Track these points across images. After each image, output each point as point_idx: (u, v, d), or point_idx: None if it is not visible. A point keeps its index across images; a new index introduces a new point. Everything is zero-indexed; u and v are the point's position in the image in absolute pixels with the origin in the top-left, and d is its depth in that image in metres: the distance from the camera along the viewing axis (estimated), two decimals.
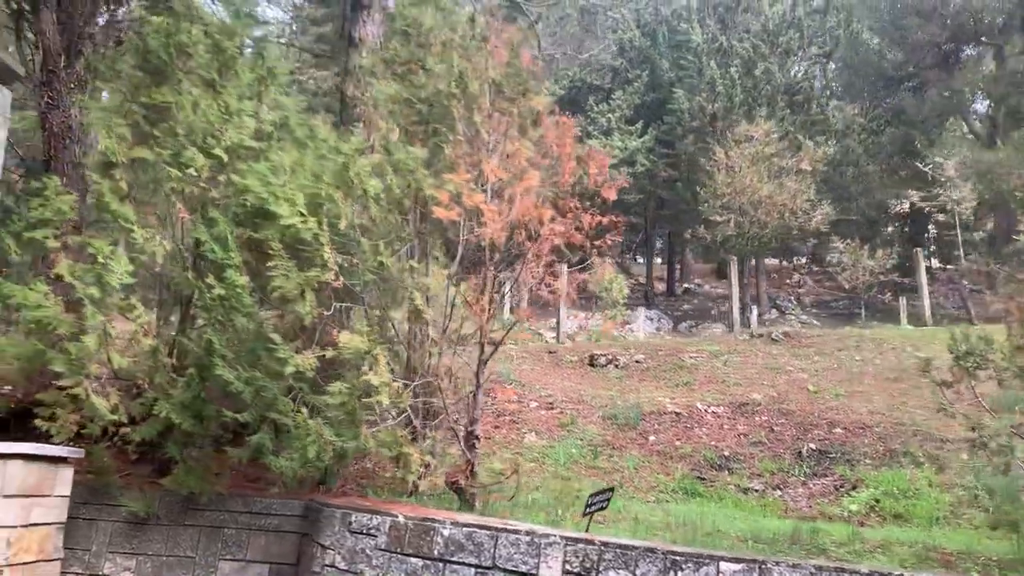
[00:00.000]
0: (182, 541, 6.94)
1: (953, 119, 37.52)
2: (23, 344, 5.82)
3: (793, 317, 25.61)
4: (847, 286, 22.77)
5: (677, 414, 9.21)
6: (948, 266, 29.40)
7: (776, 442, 8.46)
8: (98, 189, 6.59)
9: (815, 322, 24.93)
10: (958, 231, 25.71)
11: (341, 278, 5.34)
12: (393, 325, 5.86)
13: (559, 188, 5.48)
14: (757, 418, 9.05)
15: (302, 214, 5.44)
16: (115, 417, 5.67)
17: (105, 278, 5.56)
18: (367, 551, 4.89)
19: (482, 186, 5.47)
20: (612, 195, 5.33)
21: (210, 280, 5.90)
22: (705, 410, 9.32)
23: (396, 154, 5.70)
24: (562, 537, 4.08)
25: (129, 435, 6.17)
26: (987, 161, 26.98)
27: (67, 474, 5.89)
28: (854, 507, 6.75)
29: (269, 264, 5.86)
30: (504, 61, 5.88)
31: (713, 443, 8.40)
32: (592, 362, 11.87)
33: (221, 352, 5.67)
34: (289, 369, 5.29)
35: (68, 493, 6.02)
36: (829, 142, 25.14)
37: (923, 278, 15.80)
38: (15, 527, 5.51)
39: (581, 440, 8.55)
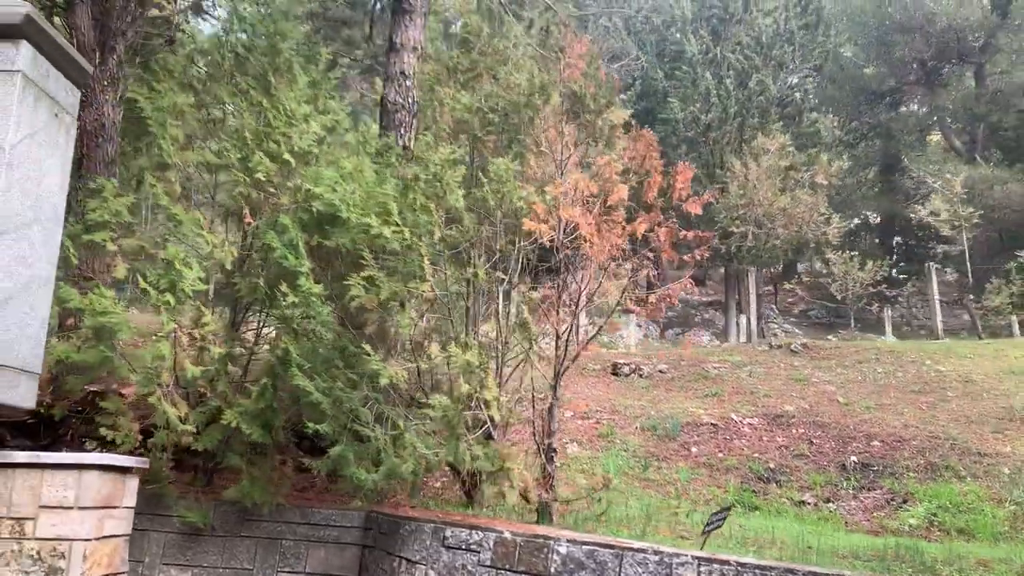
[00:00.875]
0: (238, 553, 6.77)
1: (934, 135, 38.44)
2: (86, 351, 5.61)
3: (775, 326, 25.96)
4: (839, 296, 23.13)
5: (714, 425, 9.26)
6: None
7: (818, 455, 8.55)
8: (154, 191, 6.41)
9: (797, 331, 25.30)
10: (937, 243, 26.33)
11: (435, 289, 5.26)
12: (477, 337, 5.77)
13: (644, 202, 5.45)
14: (794, 430, 9.14)
15: (397, 224, 5.33)
16: (187, 427, 5.51)
17: (179, 284, 5.39)
18: (468, 567, 4.79)
19: (572, 198, 5.42)
20: (697, 209, 5.32)
21: (284, 288, 5.76)
22: (741, 422, 9.38)
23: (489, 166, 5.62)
24: (694, 557, 4.04)
25: (191, 444, 6.00)
26: (972, 177, 27.70)
27: (133, 485, 5.69)
28: (913, 521, 6.83)
29: (357, 273, 5.70)
30: (581, 73, 5.86)
31: (756, 455, 8.46)
32: (615, 371, 11.87)
33: (298, 362, 5.53)
34: (383, 380, 5.17)
35: (134, 504, 5.83)
36: (822, 155, 25.55)
37: (935, 292, 16.09)
38: (90, 540, 5.31)
39: (625, 451, 8.54)
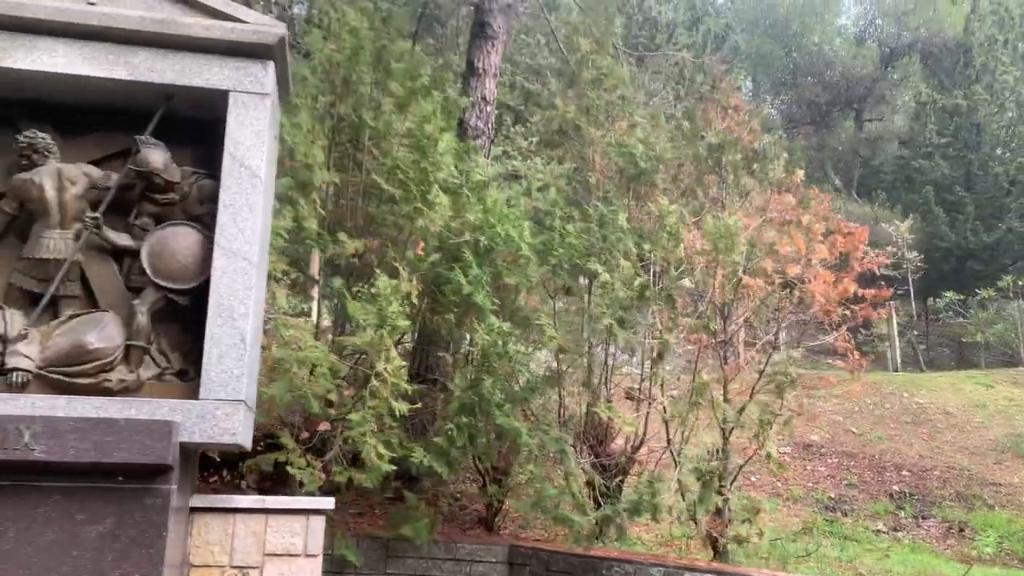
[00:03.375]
0: None
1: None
2: (271, 384, 5.15)
3: None
4: None
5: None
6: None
7: (863, 484, 9.24)
8: (308, 225, 5.96)
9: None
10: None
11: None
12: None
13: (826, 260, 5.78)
14: (828, 460, 9.81)
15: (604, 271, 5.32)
16: (387, 465, 5.19)
17: (390, 319, 5.07)
18: None
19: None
20: (878, 265, 5.71)
21: (475, 324, 5.58)
22: (778, 451, 9.94)
23: (667, 218, 5.72)
24: None
25: (362, 481, 5.64)
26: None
27: (320, 526, 5.29)
28: (988, 550, 7.58)
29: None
30: (755, 132, 6.10)
31: (811, 484, 9.03)
32: (629, 395, 12.15)
33: (498, 401, 5.37)
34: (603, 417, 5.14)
35: (320, 550, 5.41)
36: None
37: (894, 327, 17.67)
38: None
39: None
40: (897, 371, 16.35)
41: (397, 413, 5.16)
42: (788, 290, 5.65)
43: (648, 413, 6.46)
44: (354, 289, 5.62)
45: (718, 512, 5.67)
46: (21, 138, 4.21)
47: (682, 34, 33.45)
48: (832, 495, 8.93)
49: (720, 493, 5.49)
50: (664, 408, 5.61)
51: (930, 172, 29.40)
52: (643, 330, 5.82)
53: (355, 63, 6.45)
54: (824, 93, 35.49)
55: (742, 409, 5.85)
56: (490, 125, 8.94)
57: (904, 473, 9.62)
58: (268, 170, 4.44)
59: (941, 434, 11.07)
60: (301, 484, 5.21)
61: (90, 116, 4.51)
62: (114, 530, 3.80)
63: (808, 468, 9.59)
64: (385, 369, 5.09)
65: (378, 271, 5.45)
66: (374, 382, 5.01)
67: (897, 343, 17.54)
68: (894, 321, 17.79)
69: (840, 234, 5.79)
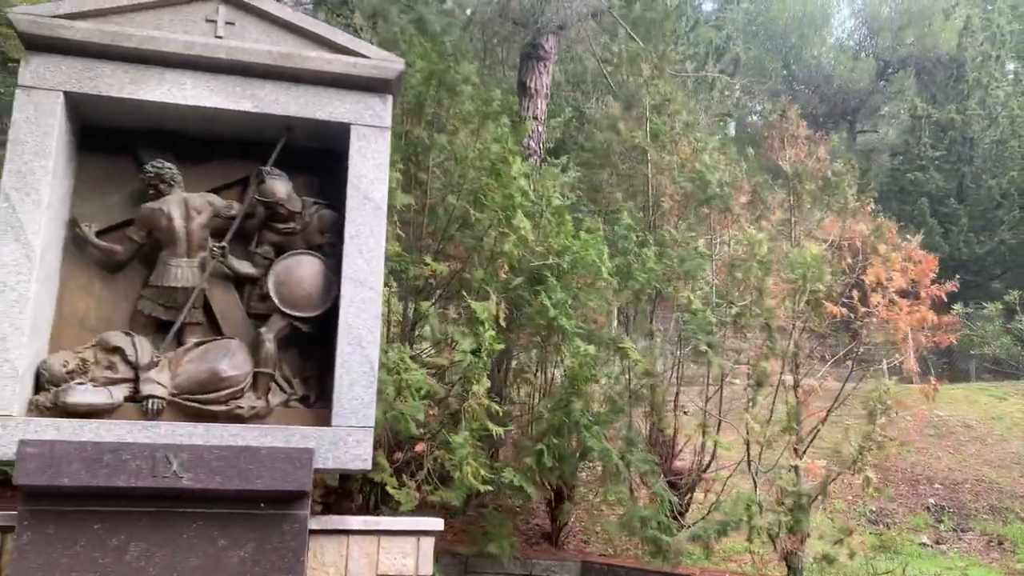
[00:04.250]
0: None
1: None
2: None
3: None
4: None
5: (794, 467, 9.92)
6: None
7: (899, 497, 9.45)
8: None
9: None
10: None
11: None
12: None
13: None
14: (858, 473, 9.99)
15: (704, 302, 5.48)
16: (484, 485, 5.29)
17: (487, 343, 5.18)
18: None
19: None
20: (945, 292, 5.92)
21: (561, 347, 5.70)
22: (812, 463, 10.13)
23: (757, 247, 5.85)
24: None
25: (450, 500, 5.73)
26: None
27: (430, 547, 5.37)
28: None
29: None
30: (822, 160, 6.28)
31: (851, 497, 9.23)
32: (684, 412, 12.32)
33: (586, 423, 5.50)
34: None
35: (431, 570, 5.48)
36: None
37: (910, 340, 17.91)
38: None
39: None
40: (913, 383, 16.61)
41: (494, 434, 5.28)
42: (870, 318, 5.86)
43: (717, 433, 6.62)
44: (435, 309, 5.72)
45: (791, 530, 5.84)
46: (149, 168, 4.30)
47: (683, 44, 33.84)
48: (872, 508, 9.14)
49: (806, 513, 5.66)
50: (753, 430, 5.77)
51: (924, 184, 29.90)
52: (722, 353, 5.97)
53: (428, 87, 6.56)
54: (821, 105, 35.98)
55: (816, 432, 6.02)
56: (541, 145, 9.08)
57: (936, 486, 9.85)
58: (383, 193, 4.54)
59: (965, 447, 11.33)
60: (398, 503, 5.30)
61: (207, 145, 4.60)
62: (255, 555, 3.89)
63: (845, 481, 9.78)
64: (476, 391, 5.21)
65: (463, 293, 5.57)
66: (472, 403, 5.12)
67: (912, 355, 17.81)
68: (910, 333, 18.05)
69: (911, 262, 6.00)
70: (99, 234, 4.31)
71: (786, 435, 5.91)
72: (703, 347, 5.60)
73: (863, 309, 5.78)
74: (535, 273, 5.83)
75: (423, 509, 6.03)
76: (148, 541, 3.78)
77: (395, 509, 6.04)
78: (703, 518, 6.18)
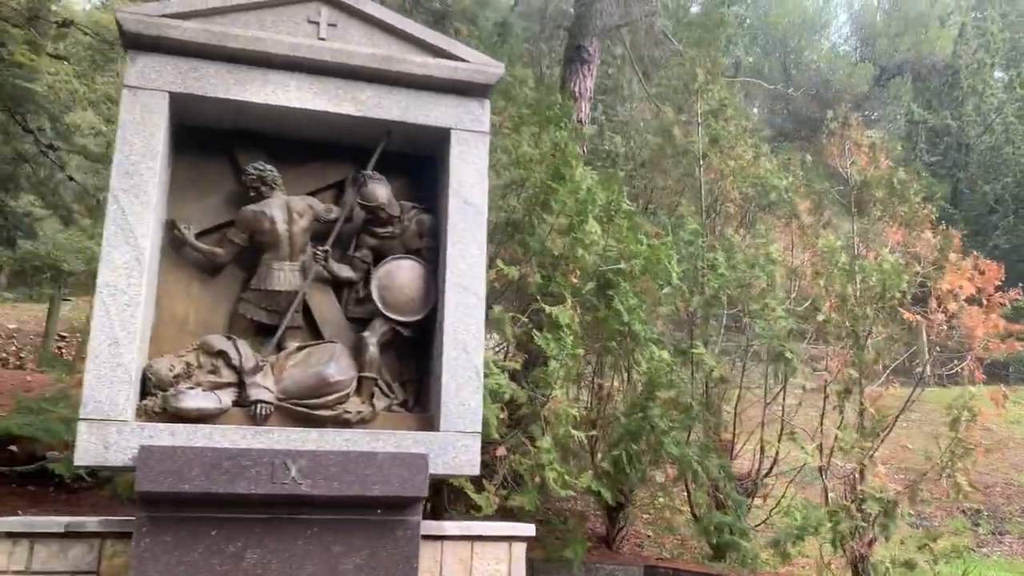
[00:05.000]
0: None
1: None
2: None
3: None
4: None
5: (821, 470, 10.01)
6: None
7: (934, 500, 9.52)
8: None
9: None
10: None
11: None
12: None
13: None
14: (895, 476, 10.09)
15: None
16: (566, 490, 5.28)
17: (569, 348, 5.17)
18: None
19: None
20: (1011, 300, 5.98)
21: (638, 355, 5.71)
22: (843, 466, 10.22)
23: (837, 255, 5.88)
24: None
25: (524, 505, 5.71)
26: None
27: (521, 552, 5.34)
28: None
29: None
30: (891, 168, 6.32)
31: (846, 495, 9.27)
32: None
33: (664, 428, 5.50)
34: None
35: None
36: None
37: (924, 342, 18.10)
38: None
39: None
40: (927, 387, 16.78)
41: (577, 440, 5.27)
42: (948, 327, 5.92)
43: (779, 439, 6.67)
44: (510, 315, 5.71)
45: (858, 536, 5.88)
46: (251, 169, 4.26)
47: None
48: (911, 512, 9.21)
49: (892, 518, 5.71)
50: (838, 437, 5.81)
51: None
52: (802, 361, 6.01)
53: None
54: (819, 109, 36.25)
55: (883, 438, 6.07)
56: (585, 148, 9.08)
57: (968, 490, 9.93)
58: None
59: (990, 451, 11.45)
60: (478, 509, 5.28)
61: (300, 147, 4.56)
62: (369, 561, 3.87)
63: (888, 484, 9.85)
64: (557, 396, 5.21)
65: (538, 299, 5.57)
66: (555, 408, 5.11)
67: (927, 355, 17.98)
68: (924, 335, 18.25)
69: (977, 271, 6.08)
70: (197, 236, 4.26)
71: (865, 441, 5.96)
72: (788, 354, 5.63)
73: (940, 316, 5.85)
74: (604, 278, 5.83)
75: (499, 513, 6.03)
76: (264, 548, 3.74)
77: (462, 513, 6.03)
78: (763, 521, 6.21)
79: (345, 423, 4.06)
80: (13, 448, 6.34)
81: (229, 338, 4.16)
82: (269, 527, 3.76)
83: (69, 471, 5.07)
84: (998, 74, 34.74)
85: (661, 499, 6.47)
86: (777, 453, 6.68)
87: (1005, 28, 34.97)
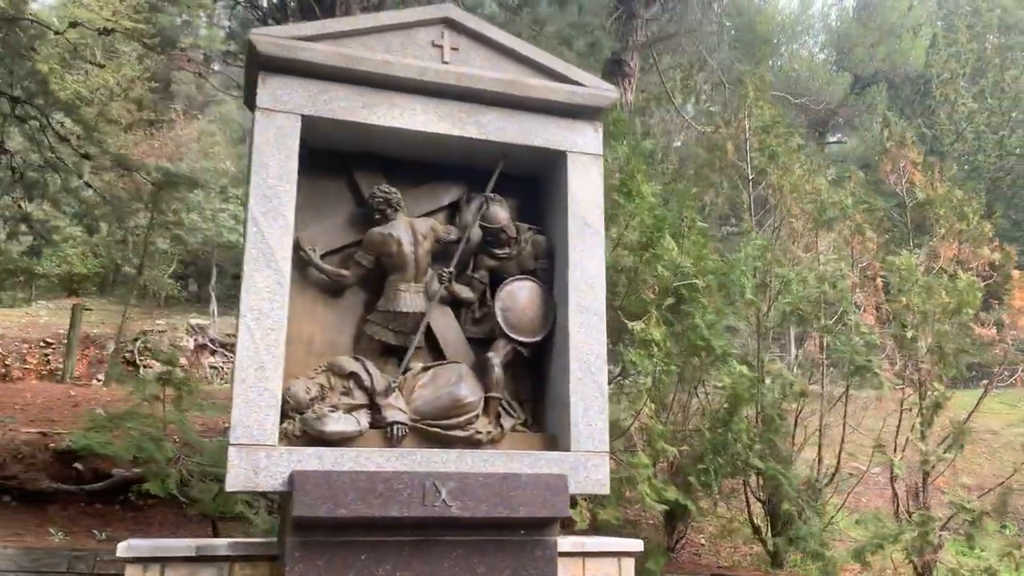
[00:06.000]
0: None
1: None
2: None
3: None
4: None
5: (850, 475, 10.27)
6: None
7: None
8: None
9: None
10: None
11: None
12: None
13: None
14: (912, 478, 10.39)
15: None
16: (659, 505, 5.37)
17: (662, 364, 5.27)
18: None
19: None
20: None
21: (716, 370, 5.84)
22: (863, 469, 10.51)
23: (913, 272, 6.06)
24: None
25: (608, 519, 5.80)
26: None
27: (630, 567, 5.38)
28: None
29: None
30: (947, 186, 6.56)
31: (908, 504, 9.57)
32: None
33: (747, 442, 5.63)
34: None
35: None
36: None
37: None
38: None
39: None
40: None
41: (670, 456, 5.39)
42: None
43: (840, 449, 6.87)
44: None
45: (931, 545, 6.10)
46: (377, 192, 4.29)
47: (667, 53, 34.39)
48: (940, 514, 9.49)
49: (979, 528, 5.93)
50: (924, 450, 6.02)
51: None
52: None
53: None
54: (797, 115, 36.93)
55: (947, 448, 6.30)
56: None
57: (988, 492, 10.29)
58: None
59: (997, 453, 11.87)
60: (568, 524, 5.35)
61: (414, 169, 4.60)
62: None
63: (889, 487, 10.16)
64: (645, 411, 5.32)
65: (618, 314, 5.67)
66: (649, 424, 5.22)
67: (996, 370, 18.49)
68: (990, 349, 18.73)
69: None
70: (321, 258, 4.28)
71: (945, 452, 6.18)
72: (876, 369, 5.83)
73: (1012, 332, 6.13)
74: (677, 293, 5.95)
75: (567, 528, 6.10)
76: (412, 570, 3.78)
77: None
78: (823, 528, 6.40)
79: (476, 443, 4.11)
80: (78, 466, 6.25)
81: (357, 359, 4.18)
82: (416, 549, 3.80)
83: (162, 490, 5.02)
84: (966, 85, 35.69)
85: (720, 509, 6.63)
86: (839, 463, 6.87)
87: (972, 39, 35.96)
